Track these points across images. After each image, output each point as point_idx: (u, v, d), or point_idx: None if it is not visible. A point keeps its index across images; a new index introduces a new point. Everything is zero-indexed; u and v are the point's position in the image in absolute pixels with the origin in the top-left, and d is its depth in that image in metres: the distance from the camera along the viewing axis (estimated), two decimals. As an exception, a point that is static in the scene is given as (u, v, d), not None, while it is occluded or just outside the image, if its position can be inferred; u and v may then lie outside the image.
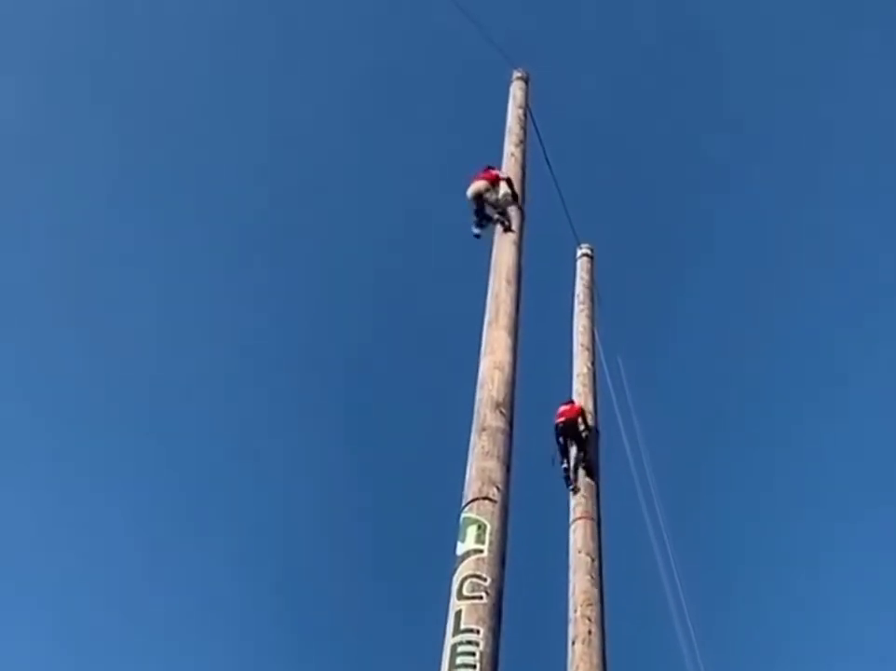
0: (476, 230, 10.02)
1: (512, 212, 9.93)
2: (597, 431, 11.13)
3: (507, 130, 11.28)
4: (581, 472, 10.47)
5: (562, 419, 10.76)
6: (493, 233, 9.75)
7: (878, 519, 24.90)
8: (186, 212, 27.94)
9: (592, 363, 11.92)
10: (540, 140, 11.83)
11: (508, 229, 9.67)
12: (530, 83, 12.22)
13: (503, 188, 10.07)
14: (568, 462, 10.57)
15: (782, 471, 25.86)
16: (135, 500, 25.79)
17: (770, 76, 28.28)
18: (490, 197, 9.96)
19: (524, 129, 11.37)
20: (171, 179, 27.59)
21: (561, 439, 10.66)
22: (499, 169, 10.44)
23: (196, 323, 28.27)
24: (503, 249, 9.42)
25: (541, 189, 11.91)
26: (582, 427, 10.78)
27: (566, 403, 11.07)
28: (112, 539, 25.16)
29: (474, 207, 10.00)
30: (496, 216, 9.80)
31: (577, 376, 11.70)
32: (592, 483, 10.44)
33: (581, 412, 10.94)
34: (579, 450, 10.66)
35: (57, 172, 27.35)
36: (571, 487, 10.39)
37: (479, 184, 10.05)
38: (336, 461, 26.55)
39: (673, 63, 29.45)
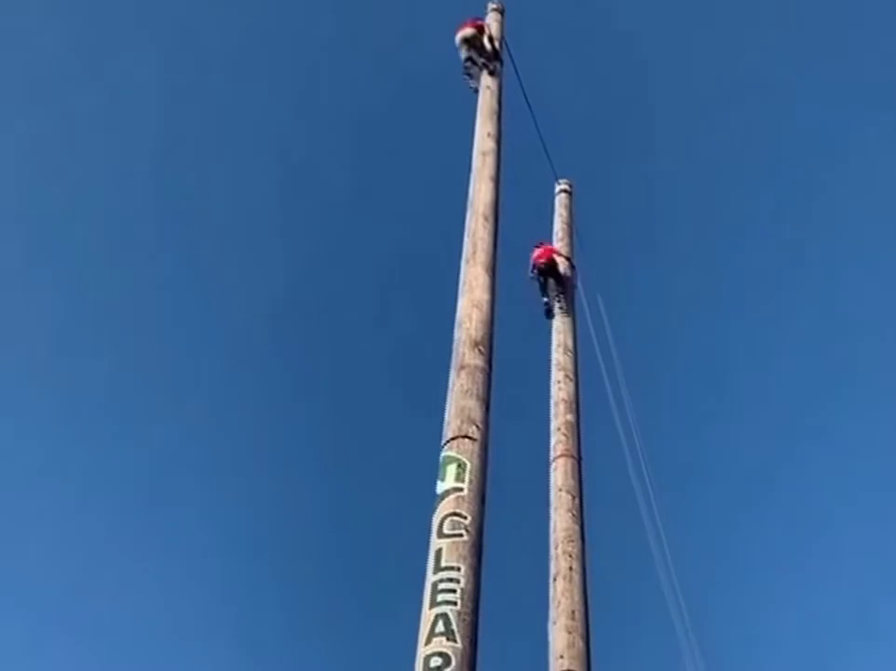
0: (468, 79, 10.96)
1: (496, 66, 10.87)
2: (573, 267, 12.24)
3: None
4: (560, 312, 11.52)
5: (541, 260, 11.79)
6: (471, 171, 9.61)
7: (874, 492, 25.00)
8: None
9: (572, 300, 11.84)
10: (516, 71, 11.62)
11: (493, 73, 10.70)
12: (505, 14, 11.98)
13: (486, 40, 11.09)
14: (548, 297, 11.69)
15: (770, 403, 26.03)
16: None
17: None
18: (476, 43, 10.95)
19: (500, 60, 11.17)
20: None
21: (540, 277, 11.75)
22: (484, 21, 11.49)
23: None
24: (479, 185, 9.30)
25: (519, 124, 11.73)
26: (561, 265, 11.93)
27: (538, 246, 12.08)
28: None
29: (464, 53, 10.98)
30: (482, 62, 10.80)
31: (557, 312, 11.61)
32: (573, 420, 10.41)
33: (555, 252, 12.14)
34: (557, 284, 11.72)
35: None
36: (551, 317, 11.60)
37: (466, 31, 11.07)
38: (312, 403, 26.58)
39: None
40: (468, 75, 10.97)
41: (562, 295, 11.69)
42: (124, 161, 27.12)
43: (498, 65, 11.00)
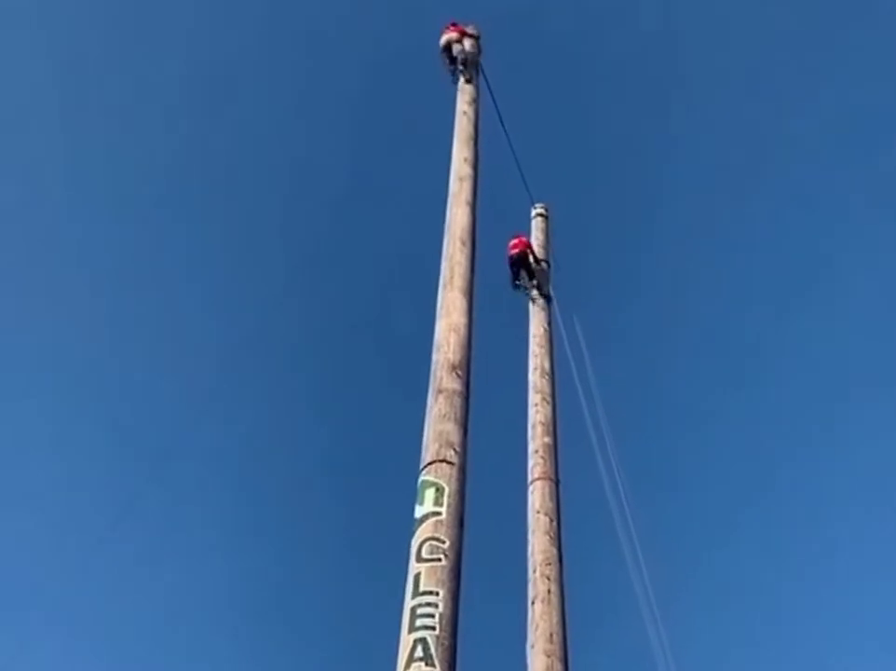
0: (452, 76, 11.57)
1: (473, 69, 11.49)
2: (548, 264, 12.71)
3: (458, 88, 11.24)
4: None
5: (515, 251, 12.34)
6: (447, 195, 9.69)
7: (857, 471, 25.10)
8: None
9: (549, 324, 11.91)
10: (493, 98, 11.73)
11: (469, 81, 11.23)
12: (481, 40, 12.10)
13: (467, 43, 11.75)
14: (522, 287, 12.25)
15: (743, 428, 26.12)
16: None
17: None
18: (457, 48, 11.59)
19: (477, 87, 11.29)
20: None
21: (514, 268, 12.28)
22: (464, 26, 12.14)
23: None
24: (456, 210, 9.37)
25: (495, 149, 11.84)
26: (532, 260, 12.42)
27: (515, 238, 12.54)
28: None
29: (446, 57, 11.75)
30: (460, 67, 11.38)
31: (534, 336, 11.67)
32: (550, 443, 10.44)
33: (529, 245, 12.59)
34: (531, 279, 12.25)
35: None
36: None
37: (450, 35, 11.87)
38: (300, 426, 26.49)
39: (628, 20, 29.30)
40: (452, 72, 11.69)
41: (536, 289, 12.22)
42: (120, 159, 26.97)
43: (474, 73, 11.57)
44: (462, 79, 11.29)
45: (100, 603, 23.36)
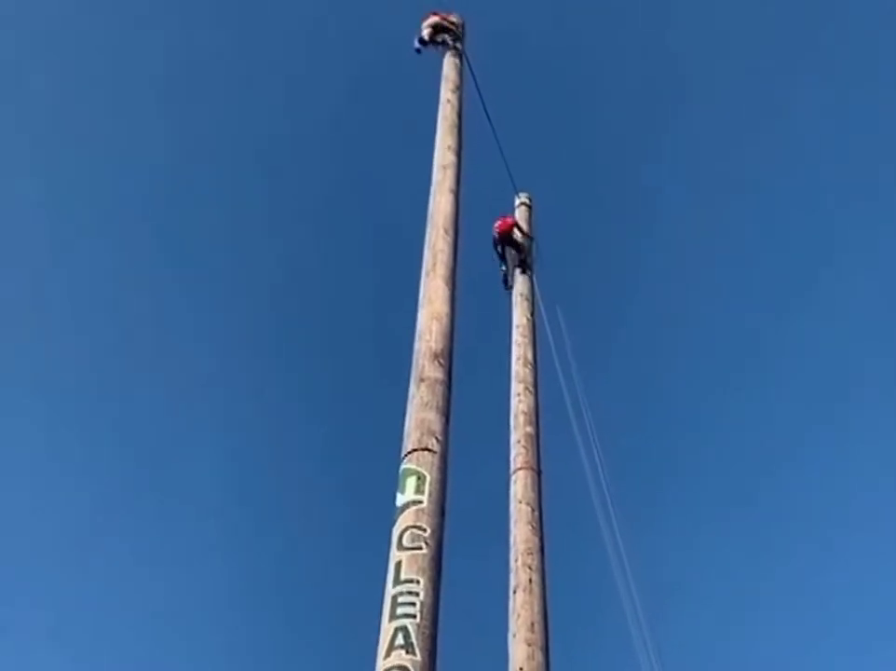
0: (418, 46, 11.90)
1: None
2: (531, 238, 12.91)
3: (443, 76, 11.19)
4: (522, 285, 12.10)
5: (499, 230, 12.54)
6: (432, 182, 9.65)
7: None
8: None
9: (532, 314, 11.89)
10: (477, 86, 11.67)
11: (455, 51, 11.39)
12: (465, 28, 12.06)
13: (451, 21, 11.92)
14: (507, 265, 12.43)
15: (729, 420, 26.17)
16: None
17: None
18: (440, 36, 11.72)
19: (461, 75, 11.25)
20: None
21: (499, 247, 12.51)
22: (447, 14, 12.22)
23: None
24: (439, 198, 9.33)
25: (479, 138, 11.79)
26: (518, 235, 12.65)
27: (500, 218, 12.76)
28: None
29: (428, 34, 11.87)
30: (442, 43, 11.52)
31: (517, 326, 11.65)
32: (532, 433, 10.44)
33: (515, 223, 12.82)
34: (517, 253, 12.48)
35: None
36: (508, 287, 12.29)
37: (433, 20, 11.89)
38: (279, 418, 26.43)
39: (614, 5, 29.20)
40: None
41: (521, 263, 12.43)
42: (113, 157, 26.75)
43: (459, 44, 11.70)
44: (448, 55, 11.49)
45: (96, 601, 23.36)
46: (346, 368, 26.93)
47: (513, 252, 12.56)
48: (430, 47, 11.83)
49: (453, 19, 12.11)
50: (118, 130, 26.62)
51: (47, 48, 26.68)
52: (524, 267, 12.47)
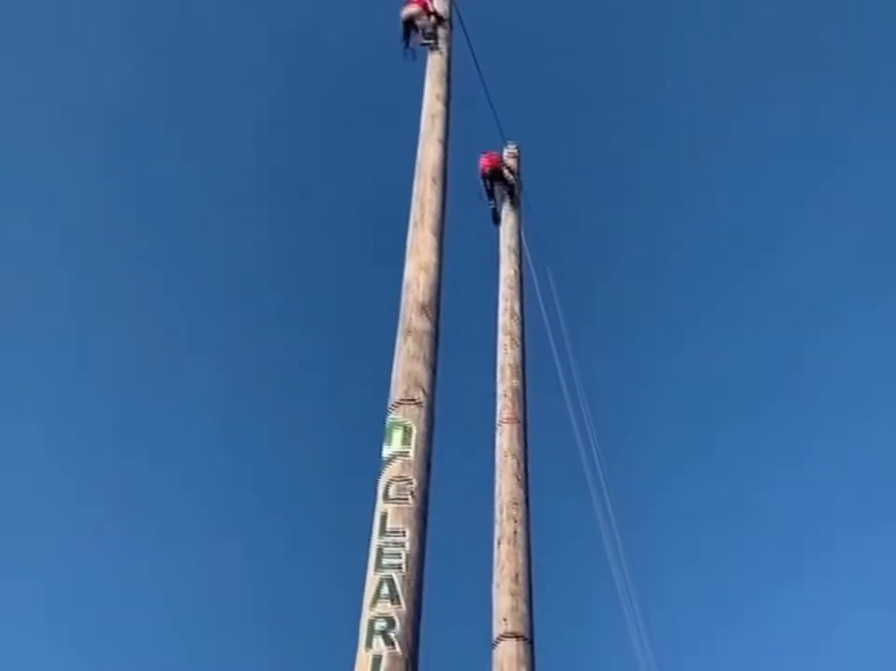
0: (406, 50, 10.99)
1: (441, 32, 10.76)
2: (520, 180, 12.85)
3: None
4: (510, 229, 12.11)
5: (487, 166, 12.49)
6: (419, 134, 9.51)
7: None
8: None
9: (519, 266, 11.83)
10: (466, 33, 11.48)
11: (435, 48, 10.49)
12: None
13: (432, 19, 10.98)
14: (495, 201, 12.43)
15: (716, 376, 26.25)
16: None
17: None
18: (420, 22, 10.81)
19: (450, 21, 11.06)
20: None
21: (487, 182, 12.45)
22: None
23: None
24: (428, 148, 9.21)
25: (468, 87, 11.62)
26: (507, 173, 12.60)
27: (486, 154, 12.71)
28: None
29: (404, 30, 10.95)
30: (425, 41, 10.67)
31: (504, 278, 11.59)
32: (518, 385, 10.43)
33: (501, 159, 12.83)
34: (505, 186, 12.47)
35: None
36: (496, 220, 12.34)
37: (412, 9, 10.92)
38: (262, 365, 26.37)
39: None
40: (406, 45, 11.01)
41: (511, 198, 12.45)
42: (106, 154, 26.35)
43: (444, 31, 10.85)
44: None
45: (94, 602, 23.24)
46: (331, 316, 26.85)
47: (502, 188, 12.53)
48: None
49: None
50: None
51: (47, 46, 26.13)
52: (514, 201, 12.49)
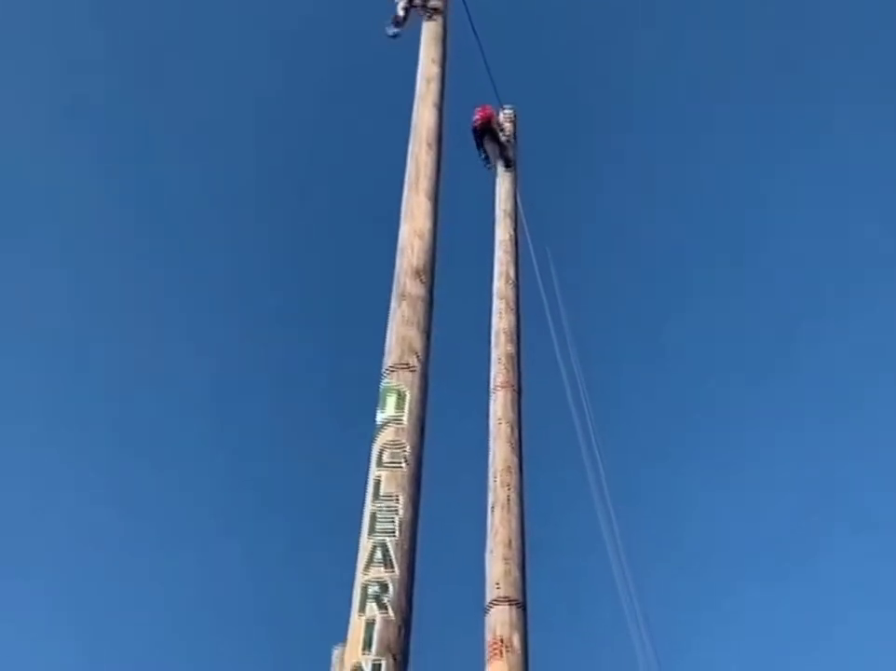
0: (393, 31, 10.57)
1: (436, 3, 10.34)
2: (515, 140, 12.79)
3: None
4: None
5: (479, 121, 12.38)
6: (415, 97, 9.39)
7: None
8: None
9: (514, 230, 11.75)
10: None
11: (431, 18, 10.14)
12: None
13: None
14: (488, 156, 12.46)
15: (711, 350, 26.23)
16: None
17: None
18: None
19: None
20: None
21: (479, 138, 12.38)
22: None
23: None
24: (423, 111, 9.12)
25: (464, 49, 11.50)
26: (499, 130, 12.54)
27: (479, 108, 12.55)
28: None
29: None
30: (419, 9, 10.31)
31: (500, 242, 11.50)
32: (513, 351, 10.39)
33: (494, 115, 12.67)
34: (498, 145, 12.42)
35: None
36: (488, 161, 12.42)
37: None
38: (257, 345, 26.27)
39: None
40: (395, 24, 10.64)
41: (503, 159, 12.36)
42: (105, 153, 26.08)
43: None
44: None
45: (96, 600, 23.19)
46: (324, 282, 26.73)
47: (494, 146, 12.46)
48: None
49: None
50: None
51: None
52: (509, 164, 12.40)
